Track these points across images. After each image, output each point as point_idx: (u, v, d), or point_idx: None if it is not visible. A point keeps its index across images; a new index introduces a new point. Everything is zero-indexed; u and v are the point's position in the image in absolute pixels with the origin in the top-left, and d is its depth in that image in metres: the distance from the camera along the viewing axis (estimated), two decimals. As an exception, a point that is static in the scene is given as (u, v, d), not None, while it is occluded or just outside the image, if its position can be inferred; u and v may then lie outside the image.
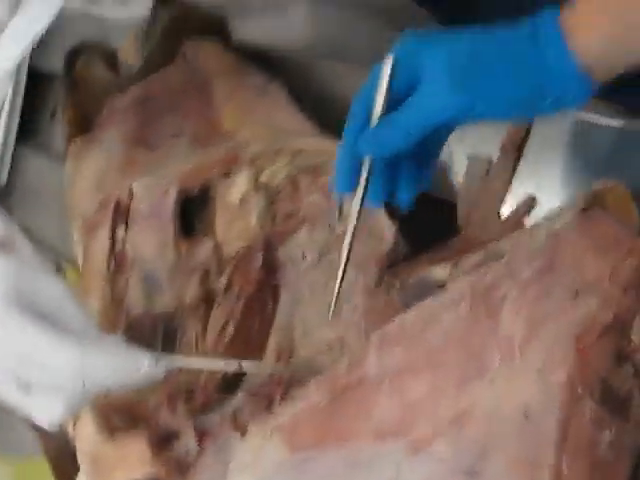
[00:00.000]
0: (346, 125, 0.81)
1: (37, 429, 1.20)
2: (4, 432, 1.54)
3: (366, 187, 0.81)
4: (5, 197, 1.63)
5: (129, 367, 0.78)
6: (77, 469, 1.15)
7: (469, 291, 0.76)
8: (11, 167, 1.67)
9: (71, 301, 0.81)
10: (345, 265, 0.84)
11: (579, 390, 0.68)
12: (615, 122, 0.94)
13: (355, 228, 0.82)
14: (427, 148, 0.82)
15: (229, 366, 0.86)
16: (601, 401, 0.69)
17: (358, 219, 0.82)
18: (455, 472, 0.71)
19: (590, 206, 0.78)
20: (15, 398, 0.79)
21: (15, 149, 1.67)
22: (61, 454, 1.20)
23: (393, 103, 0.78)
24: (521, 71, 0.76)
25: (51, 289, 0.81)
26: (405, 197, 0.84)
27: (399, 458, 0.74)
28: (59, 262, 1.41)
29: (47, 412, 0.79)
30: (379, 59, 0.78)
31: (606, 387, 0.70)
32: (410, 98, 0.78)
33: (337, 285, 0.85)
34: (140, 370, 0.78)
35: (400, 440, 0.74)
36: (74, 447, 1.15)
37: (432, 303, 0.78)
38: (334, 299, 0.86)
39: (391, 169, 0.82)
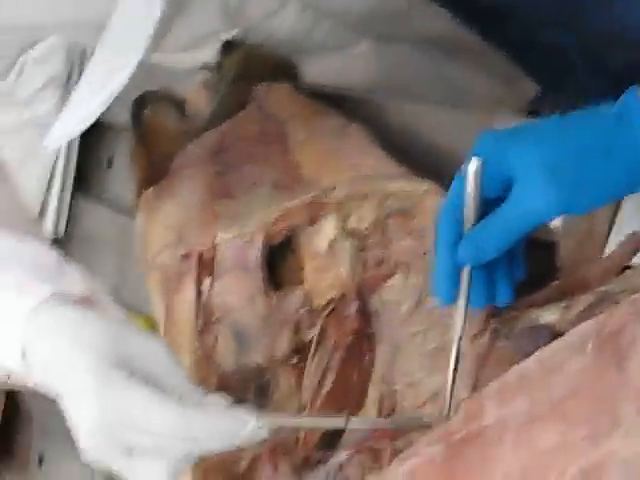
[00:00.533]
0: (437, 237, 0.81)
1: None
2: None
3: (468, 295, 0.80)
4: (63, 248, 1.61)
5: (233, 429, 0.75)
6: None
7: (592, 337, 0.72)
8: (68, 218, 1.66)
9: (168, 358, 0.78)
10: (455, 371, 0.83)
11: None
12: None
13: (461, 337, 0.82)
14: (519, 243, 0.81)
15: (336, 422, 0.83)
16: None
17: (463, 327, 0.82)
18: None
19: None
20: (119, 464, 0.76)
21: (72, 199, 1.66)
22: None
23: (483, 207, 0.78)
24: (615, 156, 0.74)
25: (146, 346, 0.78)
26: (505, 298, 0.84)
27: (528, 516, 0.70)
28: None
29: (150, 477, 0.76)
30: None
31: None
32: (505, 201, 0.77)
33: (449, 388, 0.83)
34: (244, 431, 0.75)
35: (529, 496, 0.70)
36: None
37: (552, 349, 0.75)
38: (447, 402, 0.83)
39: (488, 272, 0.81)
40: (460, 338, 0.82)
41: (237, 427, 0.75)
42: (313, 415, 0.91)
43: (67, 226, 1.67)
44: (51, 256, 0.89)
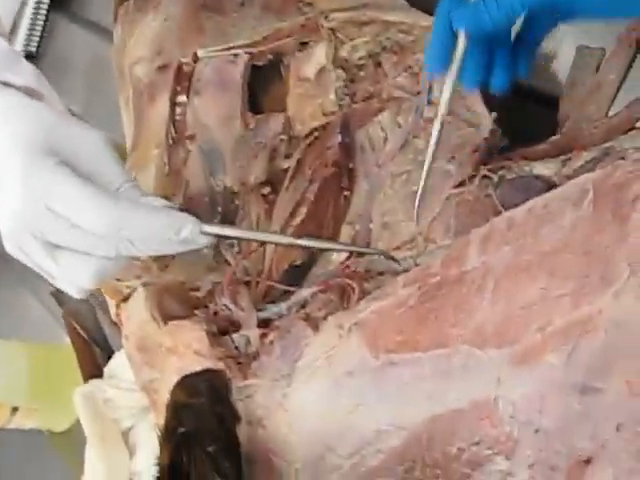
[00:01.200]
0: None
1: (65, 310, 1.12)
2: (19, 315, 1.47)
3: (460, 66, 0.74)
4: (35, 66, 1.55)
5: (168, 230, 0.69)
6: (108, 355, 1.08)
7: (592, 188, 0.67)
8: (43, 35, 1.61)
9: (108, 153, 0.72)
10: (434, 152, 0.76)
11: None
12: None
13: (447, 109, 0.75)
14: (527, 34, 0.77)
15: (283, 239, 0.77)
16: None
17: (450, 100, 0.75)
18: (566, 388, 0.63)
19: None
20: (39, 258, 0.70)
21: (48, 17, 1.61)
22: (89, 337, 1.13)
23: None
24: None
25: (88, 140, 0.72)
26: (500, 82, 0.77)
27: (500, 369, 0.67)
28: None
29: (75, 277, 0.71)
30: None
31: None
32: None
33: (424, 174, 0.77)
34: (180, 234, 0.69)
35: (503, 348, 0.67)
36: (107, 331, 1.08)
37: (545, 200, 0.69)
38: (420, 190, 0.78)
39: (487, 53, 0.76)
40: (446, 109, 0.75)
41: (173, 229, 0.70)
42: (262, 231, 0.84)
43: (40, 44, 1.62)
44: (2, 45, 0.82)
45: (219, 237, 0.72)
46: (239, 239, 0.83)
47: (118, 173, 0.71)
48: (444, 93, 0.75)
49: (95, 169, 0.70)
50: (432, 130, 0.76)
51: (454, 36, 0.73)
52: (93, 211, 0.68)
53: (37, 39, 1.61)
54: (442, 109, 0.75)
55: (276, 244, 0.83)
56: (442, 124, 0.76)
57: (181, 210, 0.72)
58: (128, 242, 0.69)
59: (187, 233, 0.69)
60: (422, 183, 0.77)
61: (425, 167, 0.77)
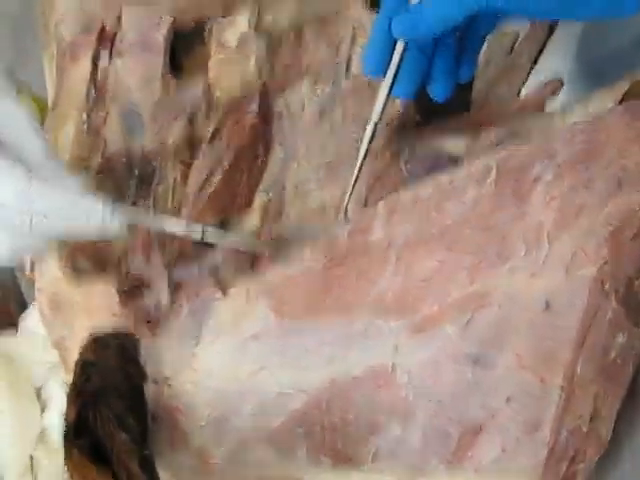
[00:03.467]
0: (382, 2, 0.74)
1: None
2: None
3: (397, 73, 0.75)
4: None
5: (80, 213, 0.70)
6: (23, 309, 1.08)
7: (496, 167, 0.69)
8: None
9: (31, 128, 0.72)
10: (365, 154, 0.78)
11: (606, 287, 0.64)
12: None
13: (379, 117, 0.76)
14: (469, 37, 0.77)
15: (192, 232, 0.79)
16: (622, 302, 0.64)
17: (384, 106, 0.76)
18: (460, 358, 0.66)
19: (631, 95, 0.72)
20: None
21: None
22: (3, 290, 1.13)
23: None
24: None
25: (12, 115, 0.72)
26: (441, 89, 0.77)
27: (399, 336, 0.70)
28: (18, 86, 1.32)
29: None
30: None
31: (630, 288, 0.65)
32: None
33: (354, 176, 0.79)
34: (91, 219, 0.70)
35: (402, 317, 0.69)
36: (23, 285, 1.08)
37: (451, 176, 0.71)
38: (350, 191, 0.79)
39: (426, 59, 0.76)
40: (380, 116, 0.77)
41: (85, 212, 0.70)
42: (173, 219, 0.85)
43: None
44: None
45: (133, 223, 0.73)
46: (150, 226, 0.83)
47: (40, 148, 0.71)
48: (377, 101, 0.76)
49: (17, 142, 0.70)
50: (364, 136, 0.78)
51: (392, 42, 0.74)
52: (6, 183, 0.68)
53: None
54: (374, 117, 0.77)
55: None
56: (374, 131, 0.77)
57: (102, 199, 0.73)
58: (43, 218, 0.69)
59: (98, 219, 0.69)
60: (351, 187, 0.79)
61: (355, 172, 0.79)
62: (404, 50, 0.74)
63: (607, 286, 0.63)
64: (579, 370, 0.63)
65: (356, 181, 0.78)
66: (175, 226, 0.80)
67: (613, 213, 0.64)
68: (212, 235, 0.81)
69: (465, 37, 0.76)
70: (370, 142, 0.77)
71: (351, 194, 0.79)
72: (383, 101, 0.76)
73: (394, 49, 0.74)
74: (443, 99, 0.76)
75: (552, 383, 0.63)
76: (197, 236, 0.79)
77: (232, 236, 0.85)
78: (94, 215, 0.70)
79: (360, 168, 0.78)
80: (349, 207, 0.81)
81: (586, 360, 0.63)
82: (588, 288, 0.63)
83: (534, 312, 0.64)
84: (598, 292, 0.63)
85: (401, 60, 0.74)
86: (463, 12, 0.70)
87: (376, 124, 0.77)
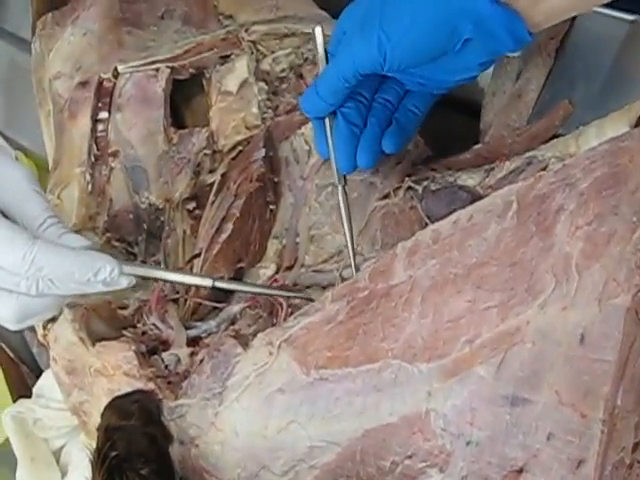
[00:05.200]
0: None
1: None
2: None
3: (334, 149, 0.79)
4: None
5: (86, 272, 0.69)
6: (37, 375, 1.06)
7: (516, 200, 0.67)
8: None
9: (33, 191, 0.71)
10: (349, 216, 0.79)
11: (640, 317, 0.60)
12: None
13: (339, 179, 0.79)
14: (397, 113, 0.80)
15: (202, 281, 0.78)
16: (656, 329, 0.61)
17: (339, 177, 0.80)
18: (495, 399, 0.64)
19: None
20: None
21: None
22: (16, 357, 1.11)
23: None
24: (425, 6, 0.71)
25: (12, 176, 0.71)
26: (362, 156, 0.79)
27: (430, 382, 0.67)
28: (14, 147, 1.31)
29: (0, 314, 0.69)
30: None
31: (662, 315, 0.62)
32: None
33: (349, 241, 0.79)
34: (98, 276, 0.68)
35: (433, 362, 0.67)
36: (35, 350, 1.06)
37: (471, 212, 0.69)
38: (351, 254, 0.79)
39: (352, 134, 0.79)
40: (343, 186, 0.79)
41: (92, 270, 0.69)
42: (181, 271, 0.84)
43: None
44: None
45: (140, 277, 0.72)
46: (159, 280, 0.82)
47: (41, 210, 0.70)
48: (333, 172, 0.79)
49: (18, 205, 0.70)
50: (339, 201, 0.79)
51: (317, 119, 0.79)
52: (11, 249, 0.67)
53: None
54: (335, 181, 0.79)
55: (197, 287, 0.83)
56: (345, 192, 0.79)
57: (104, 251, 0.72)
58: (49, 281, 0.68)
59: (105, 275, 0.68)
60: (350, 251, 0.79)
61: (347, 236, 0.79)
62: (331, 127, 0.78)
63: (641, 315, 0.60)
64: (619, 402, 0.61)
65: (353, 245, 0.78)
66: (185, 278, 0.78)
67: (642, 238, 0.61)
68: (224, 284, 0.79)
69: (397, 113, 0.80)
70: (347, 203, 0.79)
71: (354, 257, 0.78)
72: (336, 171, 0.79)
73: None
74: (366, 167, 0.79)
75: (593, 417, 0.61)
76: (208, 284, 0.78)
77: (244, 285, 0.83)
78: (101, 273, 0.69)
79: (351, 231, 0.78)
80: (365, 249, 0.79)
81: (626, 391, 0.61)
82: (623, 318, 0.61)
83: (569, 346, 0.62)
84: (633, 321, 0.61)
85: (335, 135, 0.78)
86: (343, 82, 0.75)
87: (343, 186, 0.79)
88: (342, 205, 0.79)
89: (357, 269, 0.78)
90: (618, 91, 0.83)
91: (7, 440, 1.09)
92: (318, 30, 0.79)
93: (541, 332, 0.63)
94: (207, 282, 0.78)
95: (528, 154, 0.76)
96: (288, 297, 0.81)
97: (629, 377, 0.61)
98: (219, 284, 0.78)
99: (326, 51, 0.78)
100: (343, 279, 0.80)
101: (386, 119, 0.80)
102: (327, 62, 0.78)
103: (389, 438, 0.68)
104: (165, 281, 0.83)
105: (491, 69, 0.88)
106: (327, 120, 0.78)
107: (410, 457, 0.67)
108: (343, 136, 0.78)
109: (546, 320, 0.63)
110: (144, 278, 0.73)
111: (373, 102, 0.79)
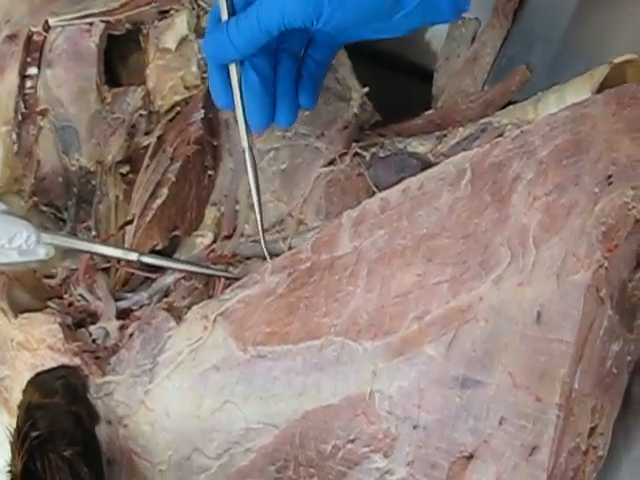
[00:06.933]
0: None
1: None
2: None
3: (242, 99, 0.72)
4: None
5: (2, 238, 0.64)
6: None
7: (470, 167, 0.63)
8: None
9: None
10: (257, 184, 0.74)
11: (602, 294, 0.59)
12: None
13: (249, 143, 0.73)
14: (303, 66, 0.75)
15: (128, 255, 0.76)
16: (617, 309, 0.59)
17: (248, 134, 0.74)
18: (445, 381, 0.61)
19: (611, 81, 0.67)
20: None
21: None
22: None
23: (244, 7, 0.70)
24: None
25: None
26: (282, 115, 0.74)
27: (376, 361, 0.63)
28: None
29: None
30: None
31: (623, 293, 0.60)
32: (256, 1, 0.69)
33: (257, 210, 0.74)
34: (13, 243, 0.64)
35: (379, 339, 0.63)
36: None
37: (422, 180, 0.65)
38: (260, 228, 0.75)
39: (269, 84, 0.73)
40: (250, 148, 0.73)
41: (7, 236, 0.65)
42: (106, 243, 0.79)
43: None
44: None
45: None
46: (81, 251, 0.77)
47: None
48: (240, 129, 0.73)
49: None
50: (246, 166, 0.73)
51: (225, 68, 0.72)
52: None
53: None
54: (244, 143, 0.73)
55: (118, 260, 0.78)
56: (252, 156, 0.73)
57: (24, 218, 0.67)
58: None
59: (21, 241, 0.64)
60: (260, 224, 0.75)
61: (255, 205, 0.74)
62: (241, 76, 0.71)
63: (603, 292, 0.58)
64: (577, 385, 0.58)
65: (262, 215, 0.74)
66: (109, 251, 0.77)
67: (605, 211, 0.58)
68: (149, 258, 0.77)
69: (301, 63, 0.74)
70: (255, 169, 0.73)
71: (263, 232, 0.74)
72: (244, 128, 0.73)
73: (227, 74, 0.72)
74: (287, 125, 0.74)
75: (548, 401, 0.58)
76: (133, 258, 0.76)
77: (172, 261, 0.78)
78: (16, 240, 0.64)
79: (259, 200, 0.74)
80: (309, 218, 0.75)
81: (583, 374, 0.58)
82: (583, 296, 0.57)
83: (525, 325, 0.59)
84: (593, 299, 0.58)
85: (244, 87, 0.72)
86: (264, 34, 0.68)
87: (250, 149, 0.73)
88: (250, 170, 0.73)
89: (268, 252, 0.74)
90: (578, 55, 0.79)
91: None
92: None
93: (495, 309, 0.60)
94: (132, 256, 0.76)
95: (483, 120, 0.73)
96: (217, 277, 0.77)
97: (587, 359, 0.59)
98: (145, 259, 0.76)
99: None
100: (288, 249, 0.75)
101: (295, 70, 0.74)
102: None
103: (330, 420, 0.65)
104: (88, 253, 0.78)
105: (445, 31, 0.84)
106: (233, 68, 0.72)
107: (353, 441, 0.64)
108: (256, 90, 0.72)
109: (500, 296, 0.61)
110: (65, 249, 0.69)
111: (277, 52, 0.73)
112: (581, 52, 0.81)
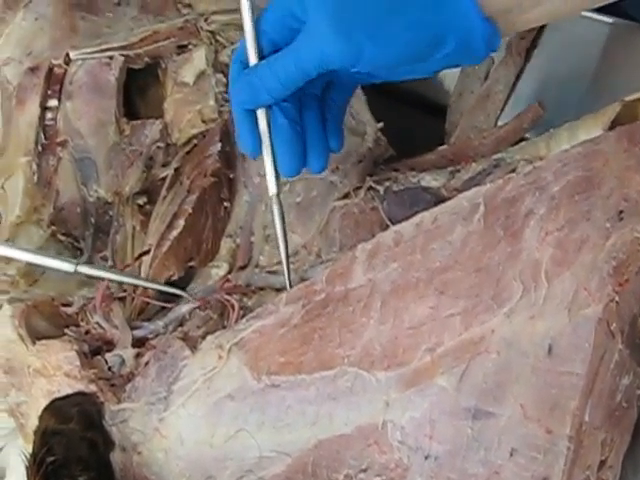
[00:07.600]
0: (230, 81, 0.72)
1: None
2: None
3: (272, 146, 0.71)
4: None
5: None
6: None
7: (483, 202, 0.64)
8: None
9: None
10: (284, 228, 0.74)
11: (612, 328, 0.59)
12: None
13: (277, 189, 0.73)
14: (328, 110, 0.74)
15: (63, 265, 0.77)
16: (627, 342, 0.60)
17: (276, 180, 0.73)
18: (457, 412, 0.61)
19: (622, 119, 0.68)
20: None
21: None
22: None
23: (274, 50, 0.69)
24: (417, 15, 0.65)
25: None
26: (316, 166, 0.73)
27: (388, 392, 0.64)
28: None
29: None
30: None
31: (633, 327, 0.61)
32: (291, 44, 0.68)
33: (283, 252, 0.74)
34: None
35: (392, 370, 0.64)
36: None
37: (435, 214, 0.66)
38: (285, 265, 0.75)
39: (299, 128, 0.72)
40: (277, 195, 0.73)
41: None
42: (40, 252, 0.81)
43: None
44: None
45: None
46: (11, 259, 0.78)
47: None
48: (268, 176, 0.73)
49: None
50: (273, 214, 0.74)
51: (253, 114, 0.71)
52: None
53: None
54: (271, 190, 0.73)
55: (134, 289, 0.81)
56: (280, 203, 0.73)
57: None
58: None
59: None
60: (285, 264, 0.75)
61: (281, 248, 0.74)
62: (269, 122, 0.71)
63: (613, 326, 0.58)
64: (587, 418, 0.58)
65: (287, 254, 0.73)
66: (43, 260, 0.78)
67: (616, 246, 0.59)
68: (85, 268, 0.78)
69: (324, 106, 0.73)
70: (282, 217, 0.73)
71: (288, 268, 0.74)
72: (272, 174, 0.72)
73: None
74: (319, 171, 0.73)
75: (559, 433, 0.58)
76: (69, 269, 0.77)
77: (106, 271, 0.79)
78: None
79: (285, 243, 0.73)
80: (323, 251, 0.76)
81: (594, 407, 0.59)
82: (594, 329, 0.58)
83: (536, 357, 0.59)
84: (604, 333, 0.58)
85: (273, 133, 0.71)
86: (301, 76, 0.67)
87: (278, 196, 0.73)
88: (277, 218, 0.73)
89: (281, 283, 0.75)
90: (591, 94, 0.80)
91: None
92: (245, 3, 0.70)
93: (507, 342, 0.60)
94: (69, 267, 0.78)
95: (495, 156, 0.74)
96: (152, 289, 0.80)
97: (598, 392, 0.59)
98: (82, 269, 0.77)
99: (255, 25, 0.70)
100: (301, 280, 0.75)
101: (321, 114, 0.74)
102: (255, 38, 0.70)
103: (343, 450, 0.65)
104: (25, 261, 0.80)
105: (459, 67, 0.85)
106: (262, 114, 0.71)
107: (365, 470, 0.64)
108: (286, 135, 0.72)
109: (512, 329, 0.61)
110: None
111: (302, 95, 0.72)
112: (593, 90, 0.82)
